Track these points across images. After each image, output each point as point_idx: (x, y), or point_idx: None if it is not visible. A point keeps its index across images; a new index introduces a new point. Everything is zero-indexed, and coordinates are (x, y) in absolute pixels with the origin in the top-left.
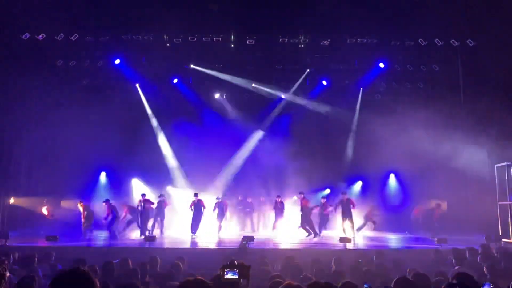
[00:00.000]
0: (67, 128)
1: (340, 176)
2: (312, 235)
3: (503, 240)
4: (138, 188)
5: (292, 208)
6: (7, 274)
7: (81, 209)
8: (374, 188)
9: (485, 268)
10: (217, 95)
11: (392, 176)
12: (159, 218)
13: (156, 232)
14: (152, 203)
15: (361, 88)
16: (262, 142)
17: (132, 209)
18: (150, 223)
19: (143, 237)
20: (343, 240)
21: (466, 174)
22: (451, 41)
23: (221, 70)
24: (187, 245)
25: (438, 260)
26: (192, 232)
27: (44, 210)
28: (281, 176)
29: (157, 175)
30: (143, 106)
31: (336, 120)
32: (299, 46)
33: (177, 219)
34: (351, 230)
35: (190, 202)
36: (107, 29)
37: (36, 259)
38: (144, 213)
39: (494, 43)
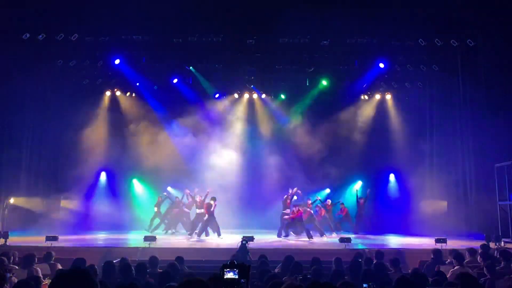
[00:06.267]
0: (68, 127)
1: (341, 176)
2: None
3: (503, 240)
4: (139, 189)
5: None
6: (7, 274)
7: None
8: (374, 187)
9: (485, 268)
10: (216, 95)
11: (392, 176)
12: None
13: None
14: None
15: (361, 88)
16: (263, 142)
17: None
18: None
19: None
20: (343, 240)
21: (466, 174)
22: (451, 41)
23: (221, 70)
24: (187, 245)
25: (437, 260)
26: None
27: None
28: (282, 176)
29: (157, 175)
30: (143, 106)
31: (337, 119)
32: (299, 46)
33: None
34: None
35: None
36: (107, 29)
37: (36, 259)
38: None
39: (494, 43)
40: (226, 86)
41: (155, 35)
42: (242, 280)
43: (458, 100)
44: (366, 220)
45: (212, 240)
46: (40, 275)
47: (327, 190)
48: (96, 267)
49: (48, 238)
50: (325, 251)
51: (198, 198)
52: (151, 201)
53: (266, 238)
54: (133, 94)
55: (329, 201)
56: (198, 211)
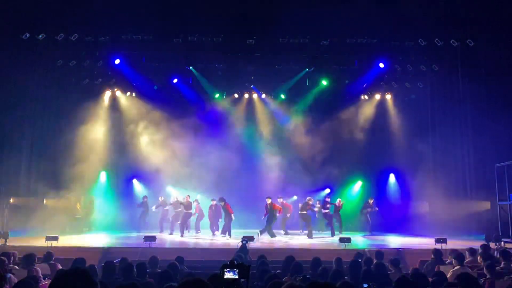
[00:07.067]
0: (68, 128)
1: (341, 176)
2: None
3: (503, 240)
4: (139, 189)
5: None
6: (7, 274)
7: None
8: (374, 188)
9: (485, 268)
10: (216, 95)
11: (392, 176)
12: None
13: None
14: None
15: (361, 88)
16: (263, 142)
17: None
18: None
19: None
20: (343, 240)
21: (466, 174)
22: (451, 41)
23: (221, 70)
24: (187, 245)
25: (437, 260)
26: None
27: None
28: (282, 176)
29: (157, 175)
30: (143, 106)
31: (337, 119)
32: (299, 46)
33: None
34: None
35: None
36: (107, 29)
37: (36, 259)
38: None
39: (494, 43)
40: (226, 86)
41: (155, 35)
42: (242, 280)
43: (458, 100)
44: (375, 219)
45: (213, 240)
46: (40, 275)
47: (327, 190)
48: (96, 267)
49: (48, 238)
50: (325, 251)
51: (186, 199)
52: (150, 201)
53: (266, 238)
54: (133, 94)
55: (339, 200)
56: (185, 211)
